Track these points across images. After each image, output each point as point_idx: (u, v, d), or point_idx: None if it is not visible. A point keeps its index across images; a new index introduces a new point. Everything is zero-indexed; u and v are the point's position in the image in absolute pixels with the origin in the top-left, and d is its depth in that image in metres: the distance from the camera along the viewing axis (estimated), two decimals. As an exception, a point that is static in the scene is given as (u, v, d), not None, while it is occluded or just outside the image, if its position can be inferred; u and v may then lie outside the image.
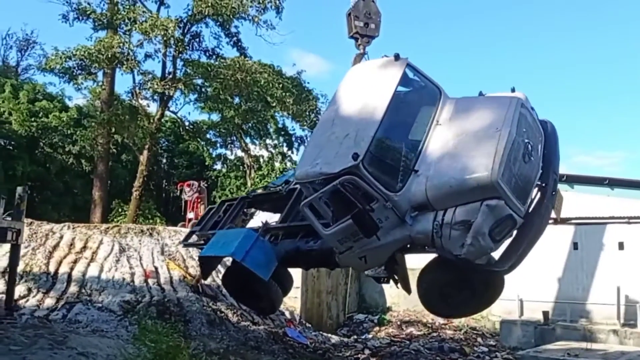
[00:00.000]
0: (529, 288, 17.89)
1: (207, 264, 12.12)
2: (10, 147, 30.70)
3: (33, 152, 31.61)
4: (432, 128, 9.12)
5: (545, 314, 18.53)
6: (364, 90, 9.39)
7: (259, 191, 13.77)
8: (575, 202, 16.58)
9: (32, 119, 31.04)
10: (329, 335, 17.97)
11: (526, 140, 8.81)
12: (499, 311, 19.69)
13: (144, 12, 23.72)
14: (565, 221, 16.74)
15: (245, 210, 13.10)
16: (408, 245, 8.91)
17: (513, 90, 9.48)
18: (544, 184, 9.05)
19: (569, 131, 64.95)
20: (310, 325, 17.97)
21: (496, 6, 70.84)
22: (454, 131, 8.97)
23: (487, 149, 8.30)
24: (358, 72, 10.20)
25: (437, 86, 9.67)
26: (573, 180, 19.91)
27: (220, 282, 14.95)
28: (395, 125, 9.18)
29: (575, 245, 19.02)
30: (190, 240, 13.54)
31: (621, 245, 18.75)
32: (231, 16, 24.24)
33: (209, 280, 15.08)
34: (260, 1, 24.36)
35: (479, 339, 19.11)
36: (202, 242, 12.39)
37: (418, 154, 8.86)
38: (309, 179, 8.67)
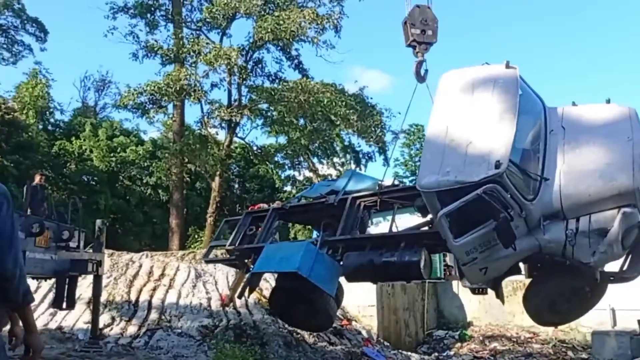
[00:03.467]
0: (621, 296, 16.70)
1: (253, 281, 11.90)
2: (93, 183, 32.37)
3: (113, 185, 33.15)
4: (548, 137, 9.13)
5: (641, 323, 17.30)
6: (479, 97, 9.30)
7: (294, 202, 13.14)
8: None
9: (111, 155, 32.65)
10: (409, 353, 17.53)
11: None
12: (589, 322, 18.54)
13: (207, 43, 24.51)
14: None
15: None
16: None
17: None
18: None
19: None
20: (388, 344, 17.61)
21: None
22: (574, 140, 9.02)
23: (623, 157, 8.50)
24: (462, 79, 9.98)
25: (537, 95, 9.72)
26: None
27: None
28: (518, 133, 9.07)
29: (627, 266, 17.70)
30: (212, 256, 13.37)
31: None
32: (291, 39, 24.56)
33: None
34: (319, 22, 24.54)
35: (569, 353, 18.09)
36: (234, 257, 12.01)
37: (543, 162, 8.85)
38: (440, 188, 8.49)
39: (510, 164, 8.43)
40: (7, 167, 23.23)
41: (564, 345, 18.77)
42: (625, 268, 8.97)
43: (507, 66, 9.53)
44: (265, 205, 17.73)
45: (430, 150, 9.19)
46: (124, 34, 25.76)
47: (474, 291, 11.01)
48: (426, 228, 11.04)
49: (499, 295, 10.37)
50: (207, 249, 13.66)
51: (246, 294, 12.61)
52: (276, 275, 11.83)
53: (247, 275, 11.91)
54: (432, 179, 8.65)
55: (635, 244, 8.67)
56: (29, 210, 12.86)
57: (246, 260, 11.98)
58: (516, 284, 16.99)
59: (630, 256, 8.86)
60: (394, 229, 11.25)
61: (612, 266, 9.23)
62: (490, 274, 9.09)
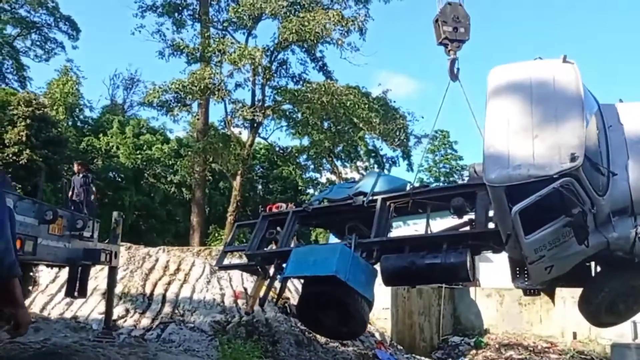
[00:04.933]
0: (642, 309, 16.43)
1: (283, 287, 11.74)
2: (119, 179, 32.97)
3: (139, 183, 33.71)
4: (607, 132, 9.08)
5: (663, 337, 16.84)
6: (540, 91, 9.16)
7: (316, 204, 12.57)
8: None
9: (137, 152, 33.24)
10: (423, 358, 17.39)
11: None
12: (609, 334, 18.17)
13: (232, 43, 24.73)
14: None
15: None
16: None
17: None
18: None
19: None
20: (401, 348, 17.48)
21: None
22: (636, 136, 8.96)
23: None
24: (517, 74, 9.77)
25: (590, 91, 9.51)
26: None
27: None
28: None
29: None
30: (227, 262, 12.90)
31: None
32: (315, 41, 24.61)
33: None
34: (344, 24, 24.57)
35: (588, 364, 17.71)
36: (254, 262, 11.59)
37: (607, 157, 8.76)
38: (512, 182, 8.26)
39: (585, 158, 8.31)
40: (36, 162, 23.79)
41: (583, 356, 18.42)
42: None
43: (564, 60, 9.34)
44: (283, 205, 17.40)
45: (493, 144, 8.89)
46: (151, 32, 26.28)
47: (525, 292, 10.88)
48: (467, 228, 10.80)
49: (552, 298, 10.50)
50: (220, 254, 13.16)
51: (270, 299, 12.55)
52: (303, 281, 11.39)
53: (267, 281, 11.67)
54: (502, 173, 8.39)
55: None
56: (69, 202, 13.12)
57: (267, 266, 11.87)
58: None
59: None
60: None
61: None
62: (554, 272, 8.87)
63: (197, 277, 15.51)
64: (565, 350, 18.81)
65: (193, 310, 14.00)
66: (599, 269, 9.47)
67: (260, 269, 11.85)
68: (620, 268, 8.81)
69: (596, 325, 12.15)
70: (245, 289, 15.48)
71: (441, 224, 11.85)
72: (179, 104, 24.82)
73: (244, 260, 12.28)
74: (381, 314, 17.96)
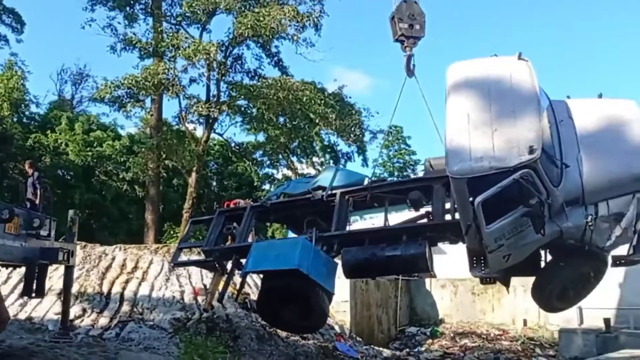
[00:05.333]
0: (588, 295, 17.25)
1: (243, 282, 11.73)
2: (68, 177, 32.05)
3: (89, 180, 32.85)
4: (559, 126, 9.49)
5: (606, 321, 17.68)
6: (497, 87, 9.48)
7: (275, 199, 12.57)
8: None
9: (87, 149, 32.34)
10: (381, 349, 17.72)
11: None
12: (557, 320, 18.99)
13: (186, 38, 24.45)
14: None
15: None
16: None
17: (600, 95, 10.13)
18: None
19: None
20: (360, 339, 17.77)
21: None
22: (587, 130, 9.41)
23: (637, 145, 9.07)
24: (475, 70, 10.08)
25: (541, 87, 9.85)
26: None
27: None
28: None
29: (634, 249, 18.13)
30: (184, 259, 12.81)
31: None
32: (271, 36, 24.60)
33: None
34: (299, 20, 24.62)
35: (537, 350, 18.50)
36: (212, 258, 11.59)
37: (560, 150, 9.12)
38: (475, 174, 8.54)
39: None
40: (-21, 159, 22.89)
41: (532, 342, 19.20)
42: (632, 251, 9.43)
43: (520, 58, 9.74)
44: (241, 202, 17.29)
45: (454, 138, 9.14)
46: (102, 26, 25.62)
47: (482, 281, 11.36)
48: (425, 220, 11.06)
49: (507, 286, 11.17)
50: (175, 251, 13.00)
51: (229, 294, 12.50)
52: (263, 276, 11.34)
53: (225, 277, 11.65)
54: (464, 165, 8.67)
55: None
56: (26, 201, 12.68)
57: (225, 262, 11.65)
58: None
59: (638, 240, 9.29)
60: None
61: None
62: (511, 260, 9.22)
63: (156, 274, 15.34)
64: (516, 337, 19.57)
65: (152, 308, 13.85)
66: (549, 258, 9.96)
67: (217, 265, 11.79)
68: (570, 256, 9.27)
69: (548, 310, 12.91)
70: (205, 286, 15.45)
71: (397, 217, 12.18)
72: (132, 100, 24.39)
73: (202, 256, 12.30)
74: (340, 306, 18.21)
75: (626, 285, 18.03)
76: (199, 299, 14.67)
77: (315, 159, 35.79)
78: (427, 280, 22.24)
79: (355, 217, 25.22)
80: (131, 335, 12.43)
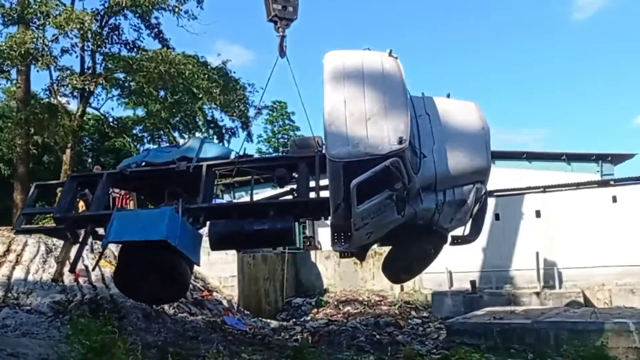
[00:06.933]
0: (456, 260, 18.79)
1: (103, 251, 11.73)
2: None
3: (-56, 158, 29.76)
4: (417, 120, 10.34)
5: (472, 283, 19.53)
6: (371, 79, 10.16)
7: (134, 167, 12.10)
8: (496, 176, 17.60)
9: (-58, 123, 29.21)
10: (268, 320, 18.20)
11: None
12: (430, 284, 20.59)
13: (57, 5, 22.69)
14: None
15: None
16: None
17: (448, 95, 11.21)
18: None
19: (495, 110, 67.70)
20: (248, 312, 18.12)
21: None
22: (439, 125, 10.44)
23: (479, 142, 10.31)
24: (351, 60, 10.62)
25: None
26: (494, 156, 21.06)
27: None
28: None
29: (497, 217, 20.10)
30: (26, 225, 12.27)
31: (538, 213, 20.05)
32: (150, 7, 23.62)
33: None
34: (180, -9, 23.89)
35: (413, 312, 19.91)
36: (63, 226, 11.26)
37: (419, 141, 9.99)
38: (352, 159, 9.17)
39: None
40: None
41: (409, 305, 20.63)
42: (467, 233, 10.99)
43: (390, 54, 10.58)
44: (99, 168, 16.43)
45: (333, 122, 9.68)
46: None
47: (341, 255, 12.20)
48: (290, 197, 11.52)
49: (363, 258, 12.25)
50: (18, 217, 12.31)
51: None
52: (122, 247, 11.15)
53: (79, 246, 11.34)
54: (343, 149, 9.28)
55: (478, 213, 10.73)
56: None
57: (78, 230, 11.36)
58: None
59: (472, 223, 10.86)
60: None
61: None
62: (372, 237, 10.24)
63: (32, 257, 14.51)
64: (394, 302, 20.91)
65: (29, 292, 13.13)
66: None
67: (70, 234, 11.46)
68: (417, 235, 10.44)
69: (395, 282, 16.16)
70: (86, 267, 14.85)
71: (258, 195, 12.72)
72: (-5, 71, 22.34)
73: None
74: (228, 282, 18.41)
75: (489, 249, 19.95)
76: (81, 280, 14.15)
77: (198, 134, 35.15)
78: (312, 253, 23.01)
79: (241, 192, 25.47)
80: (6, 322, 11.73)
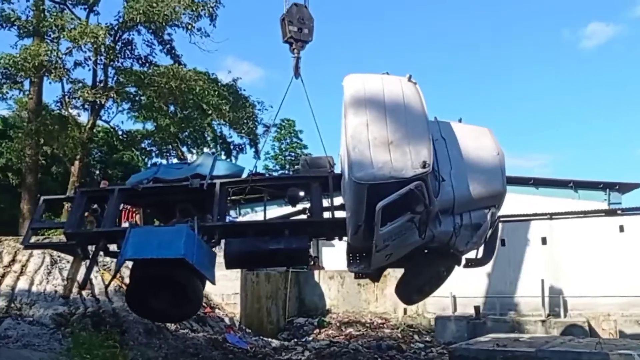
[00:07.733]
0: (461, 285, 18.61)
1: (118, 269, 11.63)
2: None
3: (-46, 165, 30.03)
4: (434, 144, 10.24)
5: (476, 308, 19.36)
6: (390, 104, 10.24)
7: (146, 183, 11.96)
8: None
9: (-47, 132, 29.56)
10: (270, 339, 18.06)
11: None
12: (433, 308, 20.44)
13: (72, 19, 23.10)
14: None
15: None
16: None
17: (460, 120, 11.32)
18: None
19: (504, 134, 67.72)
20: (250, 331, 18.01)
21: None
22: (456, 149, 10.53)
23: (495, 167, 10.46)
24: (371, 84, 10.69)
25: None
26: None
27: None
28: None
29: (502, 242, 19.91)
30: (35, 240, 12.36)
31: (544, 240, 19.93)
32: (164, 23, 23.95)
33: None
34: (194, 9, 24.19)
35: (416, 336, 19.73)
36: (75, 242, 11.16)
37: (438, 166, 9.99)
38: (377, 181, 9.16)
39: None
40: None
41: (411, 329, 20.46)
42: (480, 256, 11.10)
43: (409, 79, 10.71)
44: (107, 183, 16.44)
45: (357, 146, 9.66)
46: (-25, -1, 23.48)
47: (356, 276, 12.22)
48: (304, 216, 11.52)
49: (378, 280, 12.82)
50: (27, 231, 12.09)
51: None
52: (134, 264, 10.95)
53: (90, 262, 11.36)
54: (368, 172, 9.26)
55: (491, 236, 10.87)
56: None
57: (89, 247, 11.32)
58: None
59: (485, 246, 10.95)
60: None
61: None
62: (391, 259, 10.24)
63: (36, 268, 14.51)
64: (397, 325, 20.75)
65: (32, 303, 13.12)
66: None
67: (80, 250, 11.33)
68: (432, 257, 10.54)
69: (408, 303, 16.03)
70: (90, 279, 14.87)
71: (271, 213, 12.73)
72: (9, 81, 22.62)
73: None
74: (230, 299, 18.33)
75: (494, 274, 19.79)
76: (84, 293, 14.11)
77: (206, 149, 35.37)
78: (316, 272, 22.93)
79: (247, 209, 25.46)
80: (8, 332, 11.72)
